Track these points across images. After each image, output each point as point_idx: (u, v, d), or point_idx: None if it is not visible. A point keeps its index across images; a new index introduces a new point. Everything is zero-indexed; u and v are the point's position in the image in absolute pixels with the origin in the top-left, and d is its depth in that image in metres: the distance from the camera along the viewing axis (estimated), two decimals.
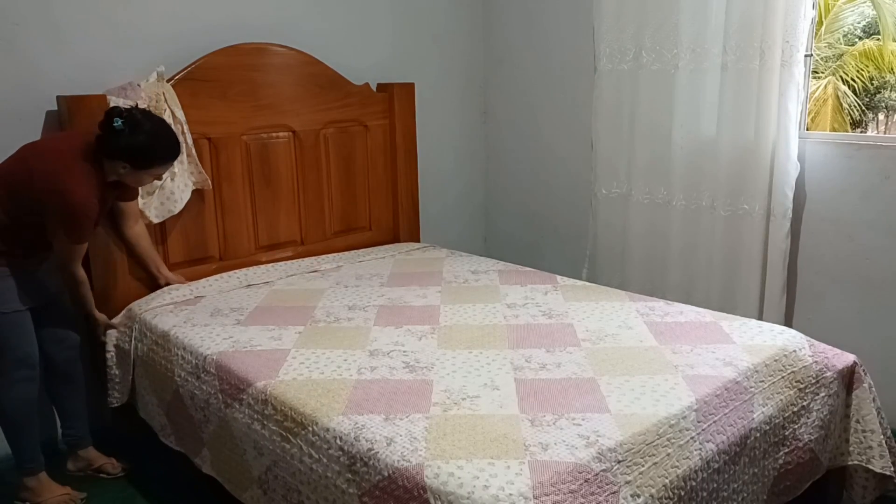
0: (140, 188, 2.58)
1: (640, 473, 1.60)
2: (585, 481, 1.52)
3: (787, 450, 1.98)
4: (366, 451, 1.65)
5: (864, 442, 2.14)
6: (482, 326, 2.36)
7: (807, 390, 2.06)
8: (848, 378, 2.17)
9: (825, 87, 9.97)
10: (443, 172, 3.94)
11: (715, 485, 1.76)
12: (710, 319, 2.38)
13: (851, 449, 2.16)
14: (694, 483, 1.69)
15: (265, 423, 1.92)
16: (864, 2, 9.75)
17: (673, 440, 1.70)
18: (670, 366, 2.02)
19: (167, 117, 2.61)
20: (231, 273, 2.92)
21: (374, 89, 3.44)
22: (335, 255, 3.27)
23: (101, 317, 2.58)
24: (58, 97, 2.59)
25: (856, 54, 9.97)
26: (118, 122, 2.23)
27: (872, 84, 10.36)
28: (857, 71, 9.97)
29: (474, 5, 3.95)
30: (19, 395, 2.32)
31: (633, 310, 2.48)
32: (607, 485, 1.54)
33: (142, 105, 2.54)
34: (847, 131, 9.76)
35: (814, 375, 2.09)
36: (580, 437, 1.65)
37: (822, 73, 10.03)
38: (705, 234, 3.13)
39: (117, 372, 2.57)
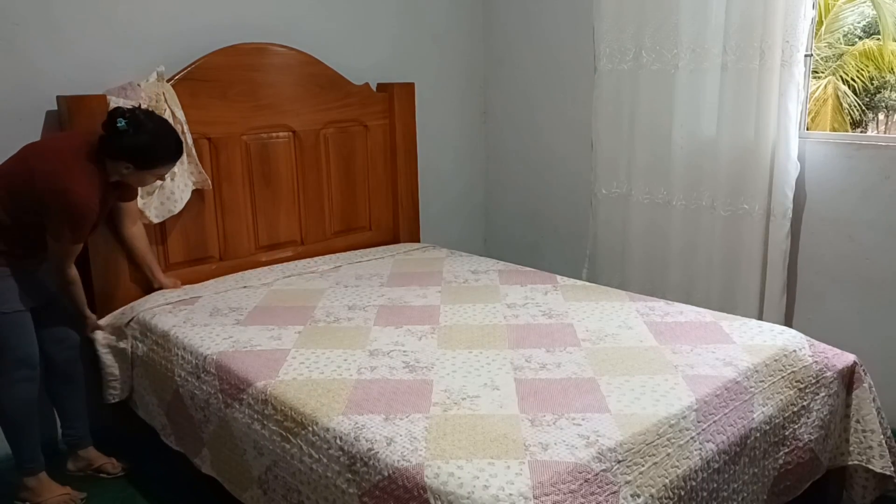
0: (140, 188, 2.58)
1: (640, 473, 1.60)
2: (585, 481, 1.52)
3: (787, 450, 1.98)
4: (366, 451, 1.65)
5: (864, 442, 2.14)
6: (482, 326, 2.36)
7: (807, 390, 2.06)
8: (848, 378, 2.17)
9: (825, 87, 9.97)
10: (443, 172, 3.95)
11: (715, 485, 1.76)
12: (710, 319, 2.38)
13: (851, 449, 2.16)
14: (694, 483, 1.69)
15: (265, 423, 1.92)
16: (864, 2, 9.75)
17: (673, 440, 1.70)
18: (670, 366, 2.02)
19: (167, 117, 2.62)
20: (229, 276, 2.92)
21: (374, 89, 3.44)
22: (335, 255, 3.27)
23: (92, 317, 2.57)
24: (58, 97, 2.59)
25: (856, 54, 9.97)
26: (121, 123, 2.23)
27: (872, 84, 10.36)
28: (857, 71, 9.97)
29: (474, 5, 3.95)
30: (19, 395, 2.32)
31: (633, 310, 2.48)
32: (607, 485, 1.54)
33: (142, 105, 2.54)
34: (847, 131, 9.76)
35: (814, 375, 2.09)
36: (580, 437, 1.65)
37: (822, 73, 10.03)
38: (705, 234, 3.13)
39: (113, 368, 2.57)
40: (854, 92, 10.05)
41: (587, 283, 2.91)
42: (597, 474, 1.55)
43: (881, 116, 11.07)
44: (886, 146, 2.73)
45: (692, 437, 1.74)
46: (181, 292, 2.73)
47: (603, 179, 3.44)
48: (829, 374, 2.12)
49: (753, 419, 1.88)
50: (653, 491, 1.59)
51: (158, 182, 2.60)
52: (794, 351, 2.13)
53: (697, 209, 3.15)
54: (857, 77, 9.99)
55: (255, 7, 3.10)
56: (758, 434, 1.88)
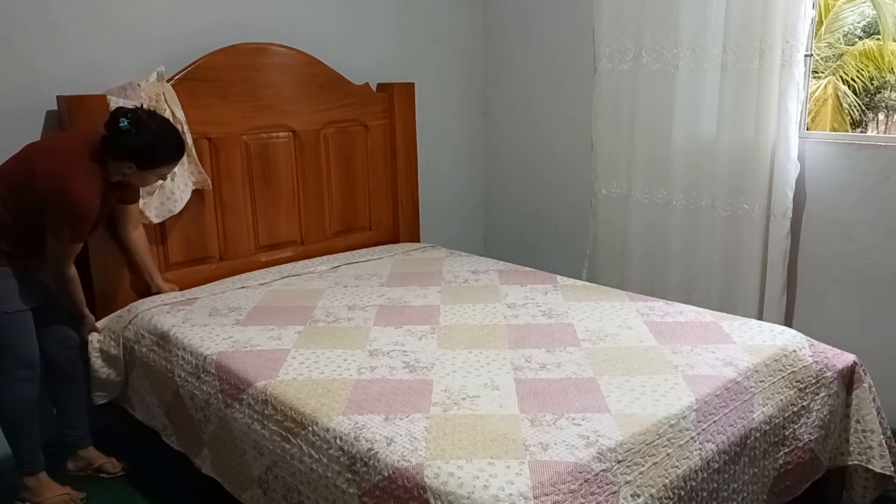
0: (140, 189, 2.58)
1: (640, 473, 1.60)
2: (585, 481, 1.52)
3: (787, 450, 1.98)
4: (366, 451, 1.65)
5: (864, 442, 2.14)
6: (482, 326, 2.36)
7: (807, 390, 2.06)
8: (848, 378, 2.17)
9: (825, 87, 9.97)
10: (443, 172, 3.95)
11: (715, 485, 1.76)
12: (710, 319, 2.38)
13: (851, 449, 2.16)
14: (694, 483, 1.69)
15: (265, 423, 1.92)
16: (864, 2, 9.75)
17: (673, 440, 1.70)
18: (670, 366, 2.02)
19: (167, 117, 2.61)
20: (226, 279, 2.91)
21: (375, 89, 3.44)
22: (334, 255, 3.27)
23: (90, 317, 2.57)
24: (58, 97, 2.59)
25: (856, 54, 9.96)
26: (124, 122, 2.24)
27: (872, 84, 10.36)
28: (857, 71, 9.97)
29: (474, 5, 3.95)
30: (20, 395, 2.32)
31: (633, 310, 2.48)
32: (607, 485, 1.54)
33: (143, 105, 2.54)
34: (847, 131, 9.76)
35: (814, 375, 2.09)
36: (580, 437, 1.65)
37: (822, 73, 10.03)
38: (705, 234, 3.13)
39: (102, 371, 2.56)
40: (854, 92, 10.05)
41: (587, 283, 2.91)
42: (597, 474, 1.55)
43: (881, 116, 11.07)
44: (886, 146, 2.73)
45: (692, 437, 1.74)
46: (179, 294, 2.73)
47: (603, 179, 3.45)
48: (829, 374, 2.12)
49: (753, 419, 1.88)
50: (653, 491, 1.59)
51: (159, 182, 2.60)
52: (794, 351, 2.13)
53: (697, 209, 3.15)
54: (857, 77, 9.99)
55: (255, 7, 3.10)
56: (758, 434, 1.88)
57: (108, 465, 2.62)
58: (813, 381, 2.08)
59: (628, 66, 3.24)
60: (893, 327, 2.78)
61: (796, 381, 2.05)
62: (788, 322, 3.01)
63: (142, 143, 2.26)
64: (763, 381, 1.99)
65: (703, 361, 2.04)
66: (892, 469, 2.11)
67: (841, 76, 10.01)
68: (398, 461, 1.59)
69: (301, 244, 3.25)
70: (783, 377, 2.04)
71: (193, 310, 2.57)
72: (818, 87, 9.88)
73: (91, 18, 2.68)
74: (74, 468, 2.62)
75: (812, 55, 2.90)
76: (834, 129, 9.67)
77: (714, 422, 1.80)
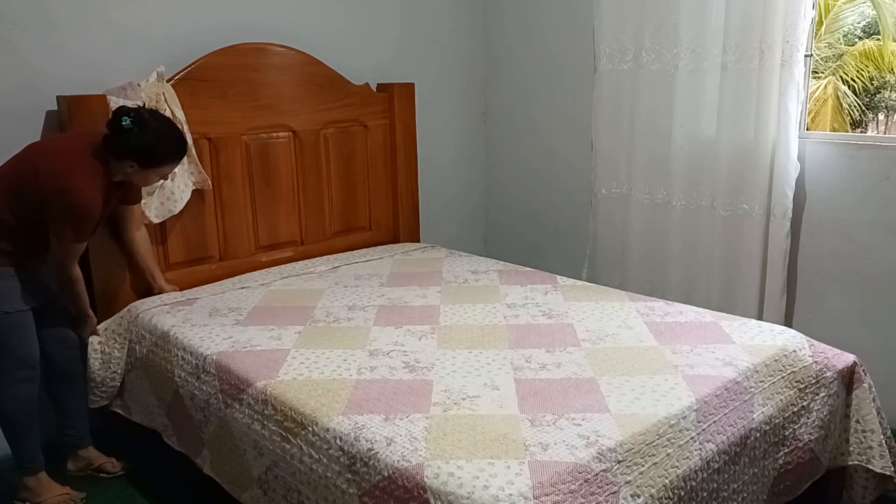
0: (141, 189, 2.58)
1: (640, 473, 1.60)
2: (585, 481, 1.52)
3: (787, 450, 1.98)
4: (366, 451, 1.65)
5: (864, 442, 2.14)
6: (482, 326, 2.36)
7: (807, 390, 2.06)
8: (848, 378, 2.17)
9: (825, 87, 9.97)
10: (443, 172, 3.95)
11: (715, 485, 1.76)
12: (710, 319, 2.38)
13: (851, 449, 2.16)
14: (694, 483, 1.69)
15: (265, 423, 1.92)
16: (864, 2, 9.75)
17: (673, 440, 1.70)
18: (670, 366, 2.02)
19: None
20: (227, 280, 2.91)
21: (374, 89, 3.44)
22: (333, 255, 3.27)
23: (93, 318, 2.57)
24: (58, 97, 2.59)
25: (856, 54, 9.96)
26: (126, 121, 2.24)
27: (872, 84, 10.36)
28: (857, 71, 9.97)
29: (474, 5, 3.95)
30: (20, 394, 2.32)
31: (633, 310, 2.48)
32: (607, 485, 1.54)
33: (144, 104, 2.54)
34: (847, 131, 9.76)
35: (814, 375, 2.09)
36: (580, 437, 1.65)
37: (822, 73, 10.03)
38: (705, 234, 3.13)
39: (100, 373, 2.56)
40: (854, 92, 10.05)
41: (587, 283, 2.91)
42: (597, 474, 1.55)
43: (881, 116, 11.07)
44: (886, 146, 2.73)
45: (692, 438, 1.74)
46: (179, 294, 2.73)
47: (603, 179, 3.45)
48: (829, 374, 2.12)
49: (753, 419, 1.88)
50: (653, 491, 1.59)
51: (159, 182, 2.60)
52: (794, 351, 2.13)
53: (697, 209, 3.15)
54: (857, 77, 9.99)
55: (255, 7, 3.10)
56: (758, 434, 1.88)
57: (108, 464, 2.62)
58: (813, 381, 2.08)
59: (628, 66, 3.24)
60: (893, 327, 2.78)
61: (796, 382, 2.05)
62: (788, 322, 3.01)
63: (144, 142, 2.27)
64: (763, 381, 1.99)
65: (703, 361, 2.04)
66: (892, 469, 2.11)
67: (841, 76, 10.01)
68: (398, 461, 1.59)
69: (301, 244, 3.25)
70: (783, 377, 2.04)
71: (193, 310, 2.57)
72: (818, 87, 9.88)
73: (91, 18, 2.68)
74: (74, 468, 2.62)
75: (812, 55, 2.90)
76: (834, 129, 9.67)
77: (714, 422, 1.80)
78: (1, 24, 2.50)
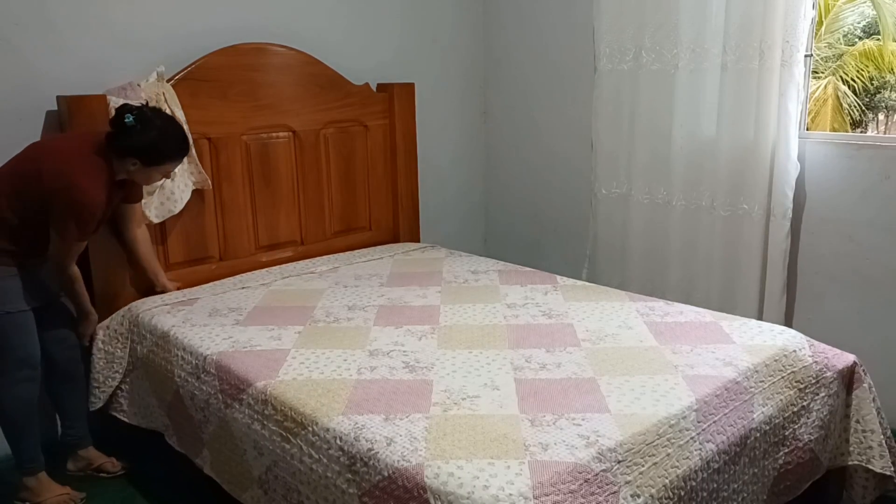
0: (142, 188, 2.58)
1: (640, 473, 1.60)
2: (585, 481, 1.52)
3: (787, 450, 1.98)
4: (366, 451, 1.65)
5: (864, 442, 2.14)
6: (482, 326, 2.36)
7: (807, 390, 2.06)
8: (848, 378, 2.17)
9: (825, 87, 9.97)
10: (443, 172, 3.95)
11: (715, 485, 1.76)
12: (710, 319, 2.38)
13: (851, 449, 2.16)
14: (694, 483, 1.69)
15: (265, 423, 1.92)
16: (864, 2, 9.75)
17: (673, 440, 1.70)
18: (670, 366, 2.02)
19: None
20: (227, 279, 2.91)
21: (374, 89, 3.44)
22: (333, 255, 3.27)
23: (95, 316, 2.56)
24: (58, 97, 2.59)
25: (856, 54, 9.97)
26: (129, 119, 2.25)
27: (872, 84, 10.36)
28: (857, 71, 9.97)
29: (474, 5, 3.95)
30: (20, 395, 2.32)
31: (633, 310, 2.48)
32: (607, 485, 1.54)
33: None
34: (847, 131, 9.76)
35: (814, 375, 2.09)
36: (580, 437, 1.65)
37: (822, 73, 10.03)
38: (705, 234, 3.13)
39: (102, 374, 2.56)
40: (854, 92, 10.05)
41: (587, 283, 2.91)
42: (597, 474, 1.55)
43: (881, 116, 11.07)
44: (886, 146, 2.73)
45: (692, 438, 1.74)
46: (179, 294, 2.73)
47: (603, 179, 3.45)
48: (829, 374, 2.12)
49: (753, 419, 1.88)
50: (653, 491, 1.59)
51: (160, 182, 2.60)
52: (794, 351, 2.13)
53: (697, 209, 3.15)
54: (857, 77, 9.99)
55: (255, 7, 3.10)
56: (758, 434, 1.88)
57: (108, 464, 2.62)
58: (813, 381, 2.08)
59: (628, 66, 3.24)
60: (893, 327, 2.78)
61: (796, 382, 2.05)
62: (788, 322, 3.01)
63: (147, 139, 2.27)
64: (763, 381, 1.99)
65: (703, 361, 2.04)
66: (892, 469, 2.11)
67: (841, 76, 10.01)
68: (398, 461, 1.59)
69: (301, 244, 3.25)
70: (783, 377, 2.04)
71: (194, 310, 2.57)
72: (818, 87, 9.88)
73: (91, 18, 2.68)
74: (74, 468, 2.62)
75: (812, 55, 2.90)
76: (834, 129, 9.67)
77: (714, 422, 1.80)
78: (2, 24, 2.50)
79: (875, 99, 10.69)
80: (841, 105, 10.03)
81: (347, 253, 3.32)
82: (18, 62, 2.55)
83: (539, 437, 1.65)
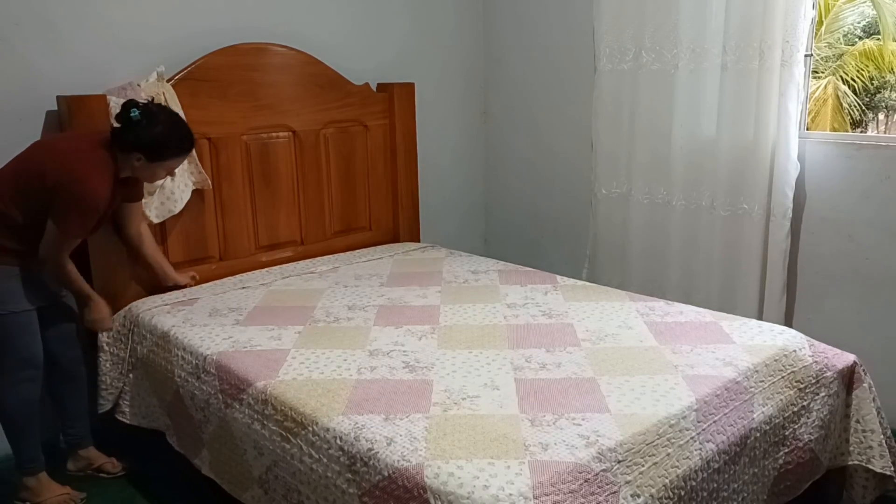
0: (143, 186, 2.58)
1: (640, 473, 1.60)
2: (585, 481, 1.52)
3: (787, 450, 1.98)
4: (366, 451, 1.65)
5: (864, 442, 2.14)
6: (482, 326, 2.36)
7: (807, 390, 2.06)
8: (848, 378, 2.17)
9: (825, 87, 9.97)
10: (443, 172, 3.95)
11: (715, 485, 1.76)
12: (710, 319, 2.38)
13: (851, 449, 2.16)
14: (694, 483, 1.69)
15: (265, 423, 1.92)
16: (864, 2, 9.75)
17: (673, 440, 1.70)
18: (670, 366, 2.02)
19: None
20: (227, 279, 2.91)
21: (374, 89, 3.44)
22: (333, 255, 3.27)
23: (100, 301, 2.49)
24: (58, 97, 2.59)
25: (856, 54, 9.97)
26: (135, 113, 2.25)
27: (872, 84, 10.36)
28: (857, 71, 9.98)
29: (474, 5, 3.95)
30: (22, 395, 2.32)
31: (633, 310, 2.48)
32: (607, 485, 1.54)
33: None
34: (847, 131, 9.76)
35: (814, 375, 2.09)
36: (580, 436, 1.65)
37: (822, 73, 10.03)
38: (705, 234, 3.13)
39: (109, 376, 2.56)
40: (854, 92, 10.05)
41: (587, 283, 2.91)
42: (597, 474, 1.55)
43: (881, 116, 11.07)
44: (886, 146, 2.73)
45: (692, 437, 1.74)
46: (179, 294, 2.72)
47: (603, 179, 3.45)
48: (829, 374, 2.12)
49: (753, 419, 1.88)
50: (653, 491, 1.59)
51: (160, 182, 2.60)
52: (794, 351, 2.13)
53: (697, 209, 3.15)
54: (857, 77, 9.99)
55: (254, 7, 3.10)
56: (758, 434, 1.88)
57: (109, 465, 2.62)
58: (813, 381, 2.08)
59: (628, 66, 3.24)
60: (893, 327, 2.78)
61: (796, 381, 2.05)
62: (788, 322, 3.01)
63: (152, 134, 2.27)
64: (763, 381, 1.99)
65: (703, 361, 2.04)
66: (892, 469, 2.11)
67: (841, 76, 10.01)
68: (398, 461, 1.59)
69: (301, 244, 3.25)
70: (783, 377, 2.04)
71: (194, 310, 2.57)
72: (818, 87, 9.89)
73: (91, 18, 2.68)
74: (74, 468, 2.62)
75: (812, 55, 2.90)
76: (834, 129, 9.67)
77: (714, 422, 1.80)
78: (1, 24, 2.50)
79: (875, 99, 10.69)
80: (841, 105, 10.03)
81: (347, 253, 3.33)
82: (18, 62, 2.55)
83: (539, 436, 1.65)
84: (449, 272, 3.00)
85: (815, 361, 2.12)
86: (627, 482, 1.57)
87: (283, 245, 3.19)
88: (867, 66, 9.95)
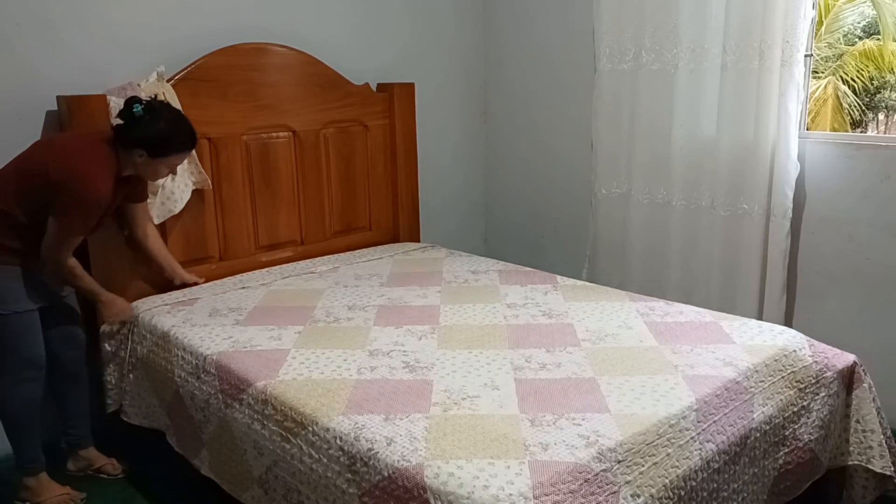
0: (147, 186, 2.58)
1: (640, 473, 1.60)
2: (585, 481, 1.52)
3: (787, 450, 1.98)
4: (366, 451, 1.65)
5: (864, 442, 2.14)
6: (482, 326, 2.36)
7: (807, 390, 2.06)
8: (848, 378, 2.17)
9: (825, 87, 9.97)
10: (443, 172, 3.95)
11: (715, 485, 1.76)
12: (710, 319, 2.38)
13: (851, 449, 2.16)
14: (694, 483, 1.69)
15: (265, 423, 1.92)
16: (864, 2, 9.75)
17: (673, 440, 1.70)
18: (670, 366, 2.02)
19: None
20: (227, 279, 2.91)
21: (374, 89, 3.44)
22: (333, 255, 3.27)
23: (112, 298, 2.49)
24: (58, 97, 2.59)
25: (856, 54, 9.97)
26: (138, 108, 2.25)
27: (872, 84, 10.36)
28: (857, 71, 9.97)
29: (474, 5, 3.96)
30: (24, 395, 2.32)
31: (633, 310, 2.48)
32: (607, 485, 1.54)
33: None
34: (847, 131, 9.76)
35: (814, 375, 2.09)
36: (580, 437, 1.65)
37: (822, 73, 10.03)
38: (705, 234, 3.13)
39: (114, 376, 2.56)
40: (854, 92, 10.05)
41: (587, 283, 2.91)
42: (597, 474, 1.55)
43: (881, 116, 11.07)
44: (886, 146, 2.73)
45: (692, 437, 1.74)
46: (179, 294, 2.72)
47: (603, 179, 3.45)
48: (829, 374, 2.12)
49: (753, 419, 1.88)
50: (653, 491, 1.59)
51: (160, 182, 2.60)
52: (794, 351, 2.13)
53: (697, 209, 3.15)
54: (857, 77, 9.99)
55: (254, 7, 3.10)
56: (758, 434, 1.88)
57: (109, 466, 2.62)
58: (813, 381, 2.08)
59: (628, 66, 3.24)
60: (893, 327, 2.78)
61: (796, 381, 2.05)
62: (788, 322, 3.01)
63: (155, 130, 2.27)
64: (763, 381, 1.99)
65: (703, 361, 2.04)
66: (892, 469, 2.11)
67: (841, 76, 10.01)
68: (398, 461, 1.59)
69: (301, 244, 3.25)
70: (783, 377, 2.04)
71: (194, 310, 2.57)
72: (818, 87, 9.88)
73: (91, 19, 2.68)
74: (75, 468, 2.62)
75: (812, 55, 2.90)
76: (834, 129, 9.67)
77: (714, 422, 1.80)
78: (1, 24, 2.50)
79: (875, 99, 10.69)
80: (841, 105, 10.03)
81: (347, 253, 3.33)
82: (18, 62, 2.55)
83: (539, 436, 1.65)
84: (449, 272, 3.00)
85: (815, 361, 2.12)
86: (627, 482, 1.57)
87: (283, 245, 3.19)
88: (867, 67, 9.95)
